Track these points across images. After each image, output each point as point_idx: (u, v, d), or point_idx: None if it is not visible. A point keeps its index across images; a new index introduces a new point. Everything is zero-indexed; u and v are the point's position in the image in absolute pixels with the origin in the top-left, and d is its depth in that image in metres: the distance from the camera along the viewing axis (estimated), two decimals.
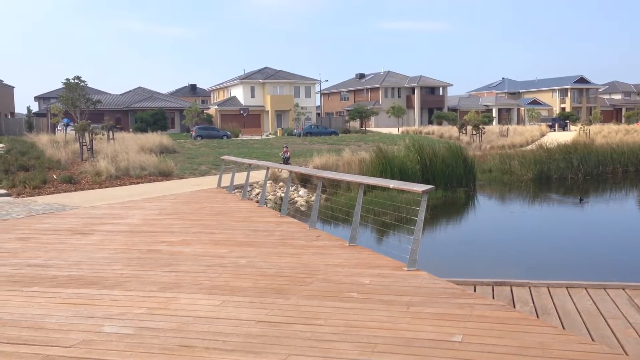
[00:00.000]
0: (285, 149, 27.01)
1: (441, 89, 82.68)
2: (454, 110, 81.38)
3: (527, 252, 13.26)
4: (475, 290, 7.70)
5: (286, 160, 25.17)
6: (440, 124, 68.24)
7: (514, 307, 7.13)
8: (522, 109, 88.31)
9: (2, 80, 65.42)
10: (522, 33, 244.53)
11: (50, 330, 5.44)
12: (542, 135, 52.98)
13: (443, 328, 5.30)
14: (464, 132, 50.05)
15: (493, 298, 7.44)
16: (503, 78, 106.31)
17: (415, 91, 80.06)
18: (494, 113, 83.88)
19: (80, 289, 6.93)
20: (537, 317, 6.72)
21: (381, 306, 6.02)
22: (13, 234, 10.97)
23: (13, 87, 71.47)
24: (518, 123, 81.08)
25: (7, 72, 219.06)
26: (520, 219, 18.18)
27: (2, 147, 30.73)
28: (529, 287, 8.04)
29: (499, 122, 78.43)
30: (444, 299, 6.26)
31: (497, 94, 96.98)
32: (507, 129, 54.45)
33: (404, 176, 21.29)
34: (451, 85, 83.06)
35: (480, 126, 48.88)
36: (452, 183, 23.38)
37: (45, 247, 9.57)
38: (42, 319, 5.76)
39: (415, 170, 22.78)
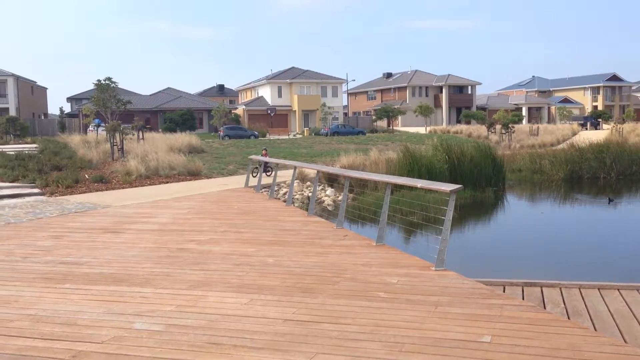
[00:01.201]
0: (264, 152, 23.96)
1: (469, 87, 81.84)
2: (483, 109, 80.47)
3: (558, 253, 13.06)
4: (504, 291, 7.61)
5: (265, 164, 22.06)
6: (468, 123, 67.57)
7: (545, 308, 7.03)
8: (553, 107, 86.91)
9: (35, 82, 66.88)
10: (554, 30, 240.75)
11: (83, 326, 5.54)
12: (574, 134, 52.09)
13: (472, 329, 5.26)
14: (492, 131, 49.47)
15: (523, 299, 7.34)
16: (533, 76, 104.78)
17: (443, 90, 79.40)
18: (524, 112, 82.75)
19: (111, 286, 7.05)
20: (568, 318, 6.61)
21: (409, 306, 5.99)
22: (47, 232, 11.21)
23: (46, 89, 73.05)
24: (549, 122, 79.83)
25: (40, 73, 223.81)
26: (550, 218, 17.90)
27: (35, 148, 31.40)
28: (560, 288, 7.92)
29: (529, 121, 77.33)
30: (473, 299, 6.21)
31: (527, 92, 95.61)
32: (538, 128, 53.65)
33: (431, 176, 21.13)
34: (480, 83, 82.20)
35: (510, 125, 48.27)
36: (480, 183, 23.12)
37: (78, 245, 9.76)
38: (75, 316, 5.88)
39: (443, 170, 22.59)
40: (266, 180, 19.71)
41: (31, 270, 8.00)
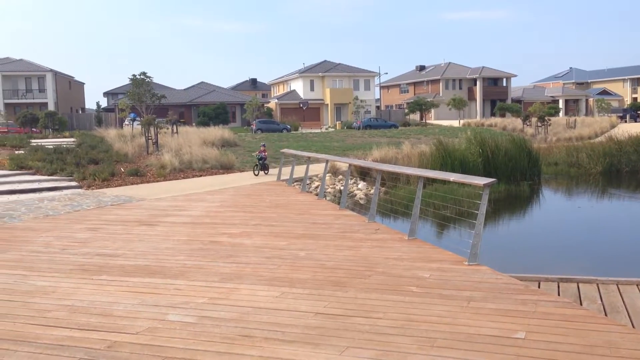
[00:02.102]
0: (262, 148, 22.54)
1: (504, 80, 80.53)
2: (518, 101, 79.12)
3: (595, 248, 12.77)
4: (539, 287, 7.47)
5: (262, 161, 21.82)
6: (503, 116, 66.54)
7: (581, 304, 6.88)
8: (591, 99, 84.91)
9: (73, 77, 68.32)
10: (592, 20, 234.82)
11: (118, 317, 5.65)
12: (612, 126, 50.77)
13: (505, 324, 5.18)
14: (528, 124, 48.61)
15: (558, 295, 7.21)
16: (570, 68, 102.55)
17: (477, 82, 78.31)
18: (561, 104, 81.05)
19: (145, 278, 7.17)
20: (605, 315, 6.46)
21: (441, 301, 5.93)
22: (84, 225, 11.45)
23: (84, 84, 74.57)
24: (586, 114, 78.03)
25: (78, 69, 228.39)
26: (588, 213, 17.52)
27: (73, 142, 32.10)
28: (597, 284, 7.74)
29: (566, 113, 75.69)
30: (507, 294, 6.11)
31: (564, 84, 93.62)
32: (575, 121, 52.48)
33: (464, 169, 20.88)
34: (515, 76, 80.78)
35: (546, 118, 47.34)
36: (515, 176, 22.75)
37: (114, 238, 9.95)
38: (110, 306, 5.99)
39: (476, 164, 22.30)
40: (298, 173, 19.70)
41: (68, 261, 8.18)
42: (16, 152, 26.68)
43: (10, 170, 22.08)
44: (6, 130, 44.72)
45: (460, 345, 4.72)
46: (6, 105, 57.76)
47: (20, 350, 4.82)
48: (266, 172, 21.88)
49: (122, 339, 5.03)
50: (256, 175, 21.28)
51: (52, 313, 5.81)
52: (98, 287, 6.80)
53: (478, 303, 5.83)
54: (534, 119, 48.52)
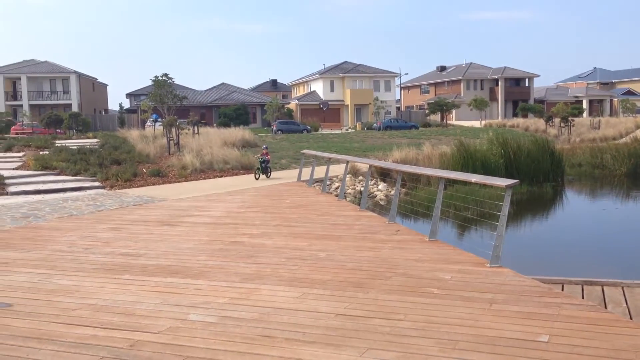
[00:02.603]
0: (264, 151, 21.64)
1: (527, 80, 79.68)
2: (541, 102, 78.20)
3: (621, 251, 12.56)
4: (563, 289, 7.38)
5: (265, 164, 21.08)
6: (525, 116, 65.80)
7: (606, 307, 6.78)
8: (616, 100, 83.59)
9: (96, 79, 69.19)
10: (616, 19, 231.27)
11: (140, 316, 5.70)
12: (638, 127, 49.90)
13: (528, 327, 5.12)
14: (551, 124, 48.03)
15: (582, 298, 7.10)
16: (594, 67, 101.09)
17: (499, 83, 77.60)
18: (584, 104, 79.90)
19: (167, 277, 7.22)
20: (631, 318, 6.35)
21: (462, 303, 5.88)
22: (106, 224, 11.59)
23: (107, 85, 75.45)
24: (611, 115, 76.83)
25: (101, 70, 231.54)
26: (612, 215, 17.25)
27: (96, 142, 32.51)
28: (622, 287, 7.61)
29: (590, 114, 74.62)
30: (529, 297, 6.04)
31: (587, 84, 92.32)
32: (599, 121, 51.70)
33: (486, 170, 20.70)
34: (537, 76, 79.86)
35: (569, 118, 46.71)
36: (538, 178, 22.49)
37: (136, 237, 10.05)
38: (133, 306, 6.05)
39: (498, 165, 22.09)
40: (319, 174, 19.70)
41: (92, 261, 8.28)
42: (41, 152, 27.10)
43: (35, 170, 22.44)
44: (31, 131, 45.47)
45: (482, 348, 4.68)
46: (31, 106, 58.69)
47: (44, 348, 4.89)
48: (268, 175, 21.22)
49: (145, 338, 5.07)
50: (257, 179, 20.43)
51: (76, 312, 5.88)
52: (121, 286, 6.87)
53: (500, 305, 5.77)
54: (557, 120, 47.90)
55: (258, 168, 20.91)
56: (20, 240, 10.02)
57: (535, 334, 4.94)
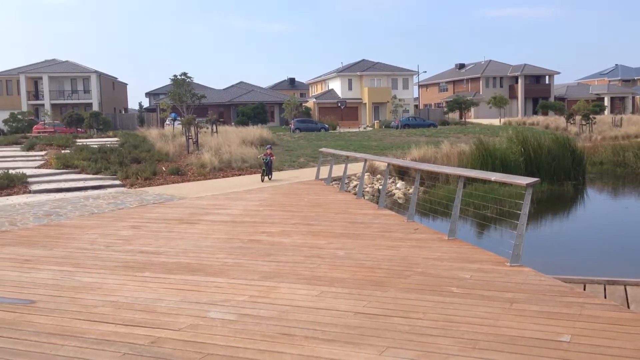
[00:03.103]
0: (268, 151, 20.28)
1: (547, 77, 78.81)
2: (561, 99, 77.32)
3: None
4: (585, 289, 7.30)
5: (268, 165, 19.86)
6: (545, 114, 65.12)
7: (628, 307, 6.69)
8: (638, 97, 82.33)
9: (116, 78, 69.88)
10: (638, 15, 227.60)
11: (161, 313, 5.75)
12: None
13: (549, 327, 5.07)
14: (572, 122, 47.47)
15: (605, 297, 7.02)
16: (616, 64, 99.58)
17: (519, 80, 76.86)
18: (606, 102, 78.85)
19: (187, 275, 7.28)
20: None
21: (482, 302, 5.85)
22: (127, 222, 11.71)
23: (126, 84, 76.18)
24: (633, 112, 75.70)
25: (121, 70, 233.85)
26: (635, 214, 17.01)
27: (117, 141, 32.83)
28: None
29: (612, 111, 73.59)
30: (550, 296, 5.98)
31: (609, 81, 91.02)
32: (621, 119, 50.98)
33: (506, 169, 20.53)
34: (558, 73, 78.93)
35: (590, 116, 46.13)
36: (558, 176, 22.26)
37: (156, 235, 10.14)
38: (154, 303, 6.10)
39: (518, 163, 21.90)
40: (337, 172, 19.70)
41: (113, 258, 8.38)
42: (62, 151, 27.45)
43: (57, 169, 22.74)
44: (53, 130, 46.05)
45: (503, 347, 4.64)
46: (53, 105, 59.46)
47: (67, 344, 4.96)
48: (270, 177, 19.96)
49: (165, 335, 5.12)
50: (263, 180, 19.38)
51: (98, 309, 5.95)
52: (141, 283, 6.94)
53: (521, 305, 5.72)
54: (578, 117, 47.33)
55: (264, 169, 19.82)
56: (43, 238, 10.17)
57: (556, 334, 4.89)
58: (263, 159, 20.01)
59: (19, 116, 50.78)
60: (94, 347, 4.89)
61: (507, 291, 6.21)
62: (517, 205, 7.63)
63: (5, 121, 50.90)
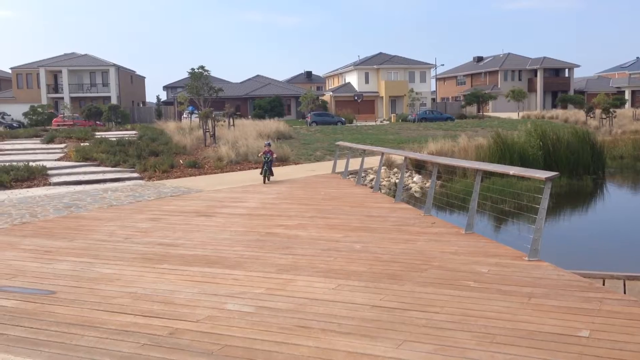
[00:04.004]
0: (266, 148, 17.26)
1: (566, 70, 77.86)
2: (581, 93, 76.36)
3: None
4: (604, 284, 7.23)
5: (269, 164, 17.01)
6: (565, 107, 64.36)
7: None
8: None
9: (135, 72, 70.34)
10: None
11: (179, 305, 5.80)
12: None
13: (568, 322, 5.03)
14: (591, 116, 46.90)
15: (625, 293, 6.95)
16: (637, 57, 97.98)
17: (538, 73, 76.02)
18: (627, 95, 77.76)
19: (204, 267, 7.33)
20: None
21: (500, 296, 5.82)
22: (145, 215, 11.81)
23: (144, 78, 76.68)
24: None
25: (139, 63, 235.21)
26: None
27: (135, 134, 33.09)
28: None
29: (632, 105, 72.52)
30: (569, 291, 5.94)
31: (630, 74, 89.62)
32: None
33: (524, 163, 20.36)
34: (578, 66, 77.97)
35: (611, 110, 45.52)
36: (577, 170, 22.03)
37: (174, 228, 10.21)
38: (172, 295, 6.16)
39: (536, 157, 21.70)
40: (353, 166, 19.67)
41: (132, 250, 8.46)
42: (81, 144, 27.74)
43: (77, 161, 22.99)
44: (72, 123, 46.57)
45: (520, 342, 4.62)
46: (72, 99, 60.07)
47: (87, 334, 5.03)
48: (268, 178, 17.10)
49: (184, 327, 5.17)
50: (265, 182, 16.79)
51: (117, 300, 6.02)
52: (160, 275, 7.00)
53: (539, 299, 5.68)
54: (597, 111, 46.76)
55: (265, 170, 16.96)
56: (62, 230, 10.30)
57: (575, 329, 4.86)
58: (263, 158, 17.11)
59: (39, 109, 51.44)
60: (114, 337, 4.95)
61: (525, 286, 6.17)
62: (536, 200, 7.57)
63: (25, 114, 51.59)
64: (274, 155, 17.66)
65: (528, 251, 7.37)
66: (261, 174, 17.22)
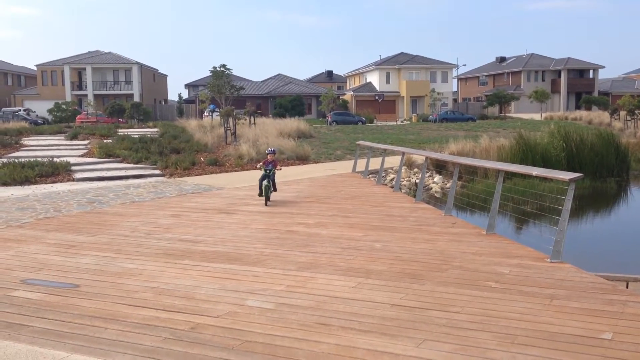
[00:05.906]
0: (269, 157, 13.11)
1: (591, 71, 76.76)
2: (606, 94, 75.26)
3: None
4: (627, 287, 7.13)
5: (271, 177, 12.70)
6: (589, 109, 63.50)
7: None
8: None
9: (157, 70, 70.98)
10: None
11: (200, 300, 5.86)
12: None
13: (590, 324, 4.98)
14: (616, 117, 46.19)
15: None
16: None
17: (562, 74, 75.08)
18: None
19: (225, 264, 7.38)
20: None
21: (521, 297, 5.77)
22: (167, 211, 11.92)
23: (167, 76, 77.33)
24: None
25: (161, 62, 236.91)
26: None
27: (157, 132, 33.38)
28: None
29: None
30: (592, 294, 5.87)
31: None
32: None
33: (546, 164, 20.14)
34: (603, 67, 76.81)
35: (636, 111, 44.78)
36: (601, 172, 21.74)
37: (195, 224, 10.30)
38: (193, 290, 6.22)
39: (559, 158, 21.46)
40: (374, 165, 19.61)
41: (153, 246, 8.55)
42: (104, 141, 28.07)
43: (100, 158, 23.28)
44: (95, 120, 47.15)
45: (542, 343, 4.58)
46: (95, 96, 60.79)
47: (110, 328, 5.10)
48: (270, 194, 12.67)
49: (205, 322, 5.22)
50: (266, 204, 12.40)
51: (139, 294, 6.10)
52: (181, 271, 7.07)
53: (561, 301, 5.63)
54: (622, 113, 46.03)
55: (267, 186, 12.59)
56: (86, 225, 10.44)
57: (598, 331, 4.81)
58: (263, 169, 12.83)
59: (63, 106, 52.17)
60: (136, 330, 5.02)
61: (548, 287, 6.12)
62: (558, 201, 7.50)
63: (50, 111, 52.35)
64: (278, 167, 13.26)
65: (550, 253, 7.30)
66: (260, 194, 12.76)
